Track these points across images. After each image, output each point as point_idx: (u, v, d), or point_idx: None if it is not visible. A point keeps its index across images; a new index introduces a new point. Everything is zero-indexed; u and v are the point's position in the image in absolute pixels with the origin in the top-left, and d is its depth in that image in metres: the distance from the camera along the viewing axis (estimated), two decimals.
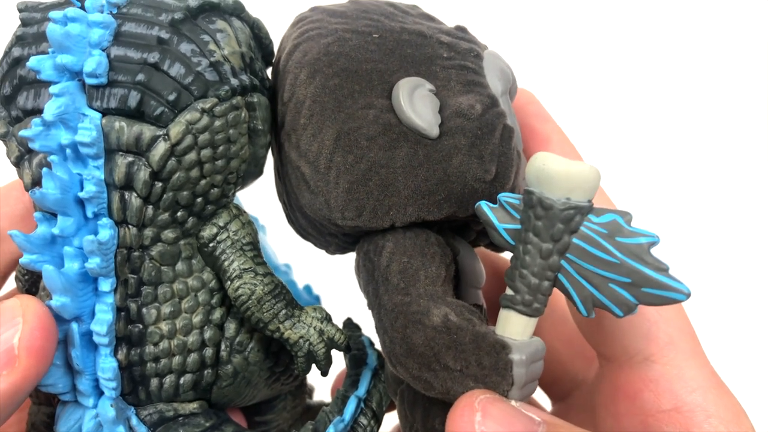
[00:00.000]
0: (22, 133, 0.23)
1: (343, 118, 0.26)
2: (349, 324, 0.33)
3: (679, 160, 0.71)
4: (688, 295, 0.21)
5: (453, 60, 0.28)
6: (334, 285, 0.47)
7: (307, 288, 0.41)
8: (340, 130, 0.26)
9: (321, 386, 0.39)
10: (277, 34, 0.30)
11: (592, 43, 0.72)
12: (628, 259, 0.22)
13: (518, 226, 0.23)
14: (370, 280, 0.26)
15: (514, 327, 0.24)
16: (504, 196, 0.24)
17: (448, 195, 0.26)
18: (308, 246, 0.32)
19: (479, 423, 0.22)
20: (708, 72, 0.72)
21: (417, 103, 0.26)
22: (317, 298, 0.41)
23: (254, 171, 0.28)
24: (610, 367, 0.29)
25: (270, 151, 0.29)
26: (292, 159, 0.27)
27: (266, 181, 0.31)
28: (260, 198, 0.39)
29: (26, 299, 0.23)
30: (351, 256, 0.30)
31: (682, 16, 0.72)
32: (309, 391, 0.36)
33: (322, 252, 0.32)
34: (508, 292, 0.24)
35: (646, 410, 0.27)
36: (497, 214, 0.24)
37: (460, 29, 0.30)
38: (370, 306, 0.27)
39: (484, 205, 0.24)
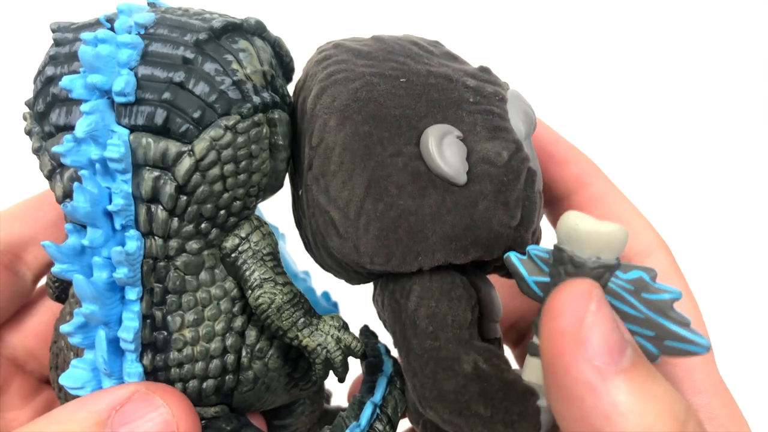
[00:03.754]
0: (55, 149, 0.24)
1: (373, 166, 0.26)
2: (366, 331, 0.33)
3: (680, 161, 0.71)
4: (707, 348, 0.23)
5: (479, 105, 0.28)
6: (351, 292, 0.47)
7: (326, 295, 0.42)
8: (370, 178, 0.26)
9: (338, 391, 0.40)
10: (297, 52, 0.31)
11: (591, 44, 0.72)
12: (653, 314, 0.23)
13: (547, 279, 0.24)
14: (397, 320, 0.27)
15: (540, 374, 0.24)
16: (533, 250, 0.25)
17: (475, 240, 0.27)
18: None
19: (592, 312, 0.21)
20: (708, 73, 0.72)
21: (445, 151, 0.27)
22: (335, 305, 0.42)
23: (275, 184, 0.29)
24: None
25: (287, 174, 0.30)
26: (320, 203, 0.27)
27: (285, 192, 0.32)
28: (280, 207, 0.40)
29: (173, 406, 0.25)
30: None
31: (682, 16, 0.72)
32: (327, 396, 0.37)
33: None
34: (535, 340, 0.25)
35: None
36: (526, 267, 0.25)
37: (484, 70, 0.30)
38: (397, 346, 0.27)
39: (514, 257, 0.25)
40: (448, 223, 0.26)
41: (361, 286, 0.31)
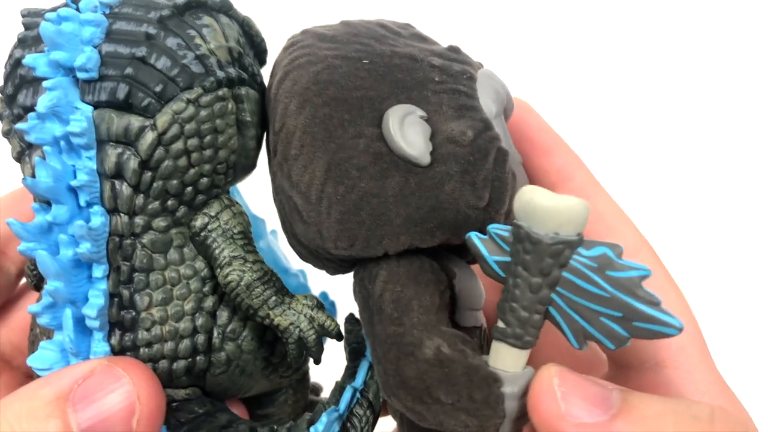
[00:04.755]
0: (18, 126, 0.25)
1: (333, 149, 0.26)
2: (351, 319, 0.33)
3: (679, 162, 0.70)
4: (680, 330, 0.21)
5: (445, 84, 0.28)
6: (347, 291, 0.47)
7: (323, 294, 0.42)
8: (330, 161, 0.26)
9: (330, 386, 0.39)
10: (272, 37, 0.31)
11: (589, 45, 0.72)
12: (620, 293, 0.22)
13: (508, 259, 0.23)
14: (365, 307, 0.26)
15: (505, 359, 0.24)
16: (494, 228, 0.24)
17: (441, 222, 0.26)
18: None
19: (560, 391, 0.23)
20: (707, 73, 0.71)
21: (407, 131, 0.26)
22: (333, 304, 0.42)
23: (246, 163, 0.28)
24: (621, 372, 0.29)
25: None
26: (284, 189, 0.27)
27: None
28: (271, 201, 0.40)
29: (137, 379, 0.24)
30: None
31: (682, 16, 0.71)
32: (316, 389, 0.36)
33: None
34: (500, 324, 0.24)
35: None
36: (487, 246, 0.24)
37: (453, 50, 0.30)
38: (366, 333, 0.27)
39: (474, 237, 0.24)
40: (412, 205, 0.26)
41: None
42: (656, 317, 0.21)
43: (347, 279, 0.47)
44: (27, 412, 0.23)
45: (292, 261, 0.41)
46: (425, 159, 0.26)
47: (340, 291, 0.43)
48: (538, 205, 0.22)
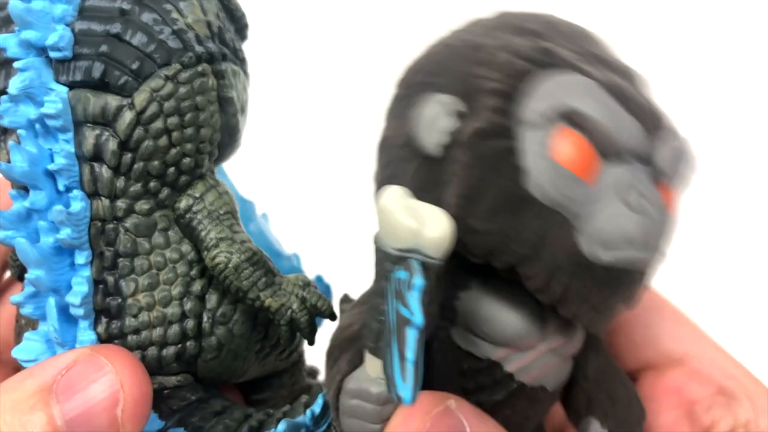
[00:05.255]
0: None
1: (387, 126, 0.26)
2: (346, 299, 0.32)
3: None
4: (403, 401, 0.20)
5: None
6: (345, 275, 0.46)
7: (318, 278, 0.41)
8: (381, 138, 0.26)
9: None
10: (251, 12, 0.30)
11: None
12: (394, 334, 0.20)
13: None
14: None
15: (367, 364, 0.22)
16: None
17: None
18: (316, 236, 0.31)
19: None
20: (707, 73, 0.70)
21: (428, 120, 0.24)
22: (328, 287, 0.41)
23: (229, 142, 0.28)
24: (650, 372, 0.29)
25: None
26: None
27: (275, 169, 0.31)
28: (264, 185, 0.39)
29: (120, 367, 0.23)
30: (358, 247, 0.29)
31: (682, 16, 0.71)
32: (313, 372, 0.35)
33: (330, 242, 0.31)
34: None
35: (691, 398, 0.27)
36: None
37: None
38: None
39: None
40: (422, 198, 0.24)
41: (353, 269, 0.30)
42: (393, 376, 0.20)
43: (342, 262, 0.47)
44: (11, 405, 0.22)
45: (285, 244, 0.41)
46: (434, 150, 0.23)
47: (335, 274, 0.42)
48: (382, 210, 0.20)
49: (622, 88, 0.22)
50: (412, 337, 0.19)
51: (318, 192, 0.60)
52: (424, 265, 0.20)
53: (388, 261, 0.20)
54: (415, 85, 0.25)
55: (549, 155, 0.21)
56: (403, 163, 0.24)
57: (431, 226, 0.20)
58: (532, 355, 0.24)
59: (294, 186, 0.59)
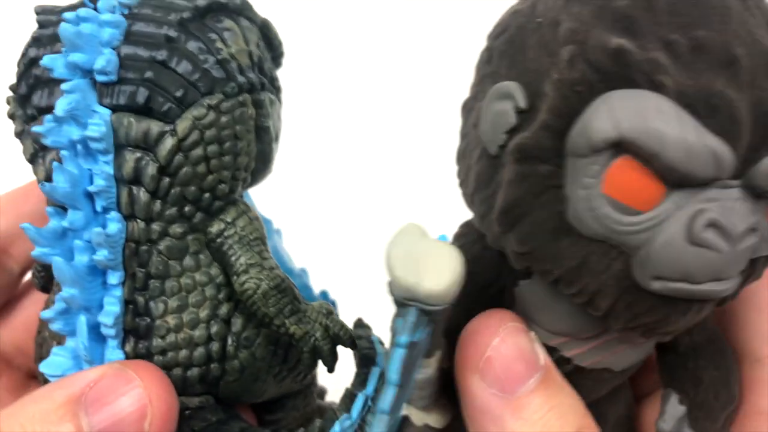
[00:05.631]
0: (35, 128, 0.24)
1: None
2: (360, 324, 0.33)
3: None
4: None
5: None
6: (350, 290, 0.47)
7: (324, 294, 0.42)
8: None
9: (334, 389, 0.39)
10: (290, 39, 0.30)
11: None
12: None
13: None
14: None
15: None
16: None
17: None
18: (324, 251, 0.32)
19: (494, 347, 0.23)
20: None
21: (492, 112, 0.23)
22: (333, 303, 0.41)
23: (262, 168, 0.28)
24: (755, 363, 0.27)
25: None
26: None
27: (282, 184, 0.31)
28: (276, 202, 0.39)
29: (148, 382, 0.24)
30: (366, 263, 0.29)
31: None
32: (321, 393, 0.36)
33: (338, 257, 0.31)
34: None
35: (744, 410, 0.26)
36: None
37: None
38: None
39: None
40: (482, 189, 0.24)
41: (359, 283, 0.30)
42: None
43: (348, 278, 0.47)
44: (40, 416, 0.23)
45: (294, 260, 0.41)
46: (490, 148, 0.22)
47: (339, 290, 0.43)
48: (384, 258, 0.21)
49: (716, 95, 0.19)
50: (390, 393, 0.22)
51: (324, 205, 0.61)
52: (424, 311, 0.21)
53: (394, 304, 0.21)
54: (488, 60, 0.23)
55: (596, 187, 0.20)
56: (474, 140, 0.23)
57: (431, 279, 0.20)
58: (593, 344, 0.24)
59: (300, 200, 0.59)
